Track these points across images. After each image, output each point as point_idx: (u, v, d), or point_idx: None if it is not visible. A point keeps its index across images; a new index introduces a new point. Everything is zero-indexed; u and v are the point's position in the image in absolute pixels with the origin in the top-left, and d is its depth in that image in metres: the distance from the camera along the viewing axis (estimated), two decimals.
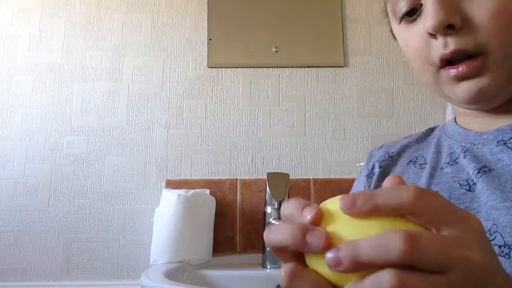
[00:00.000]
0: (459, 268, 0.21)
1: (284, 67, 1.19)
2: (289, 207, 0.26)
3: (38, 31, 1.21)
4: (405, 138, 0.52)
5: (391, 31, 0.47)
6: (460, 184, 0.40)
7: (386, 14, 0.46)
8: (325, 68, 1.19)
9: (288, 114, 1.17)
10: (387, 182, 0.26)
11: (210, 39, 1.20)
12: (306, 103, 1.17)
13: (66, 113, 1.16)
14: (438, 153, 0.45)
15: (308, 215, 0.24)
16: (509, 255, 0.34)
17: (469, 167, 0.40)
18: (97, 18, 1.22)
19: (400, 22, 0.42)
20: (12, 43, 1.20)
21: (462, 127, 0.45)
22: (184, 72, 1.19)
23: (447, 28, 0.37)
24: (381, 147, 0.53)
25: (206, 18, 1.21)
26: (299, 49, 1.19)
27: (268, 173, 1.02)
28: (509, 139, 0.40)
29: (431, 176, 0.42)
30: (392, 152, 0.49)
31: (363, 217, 0.23)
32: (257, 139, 1.15)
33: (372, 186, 0.48)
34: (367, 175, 0.50)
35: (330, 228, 0.24)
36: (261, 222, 1.04)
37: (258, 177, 1.12)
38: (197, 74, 1.19)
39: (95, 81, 1.18)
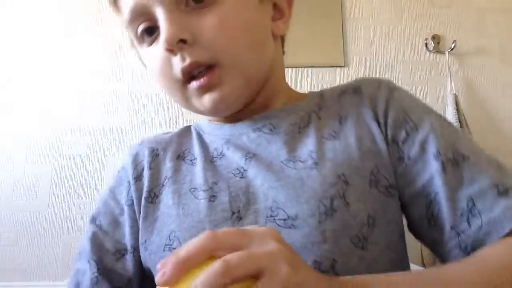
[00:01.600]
0: (266, 272, 0.26)
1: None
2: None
3: (38, 31, 1.21)
4: (165, 134, 0.52)
5: (140, 59, 0.49)
6: (233, 174, 0.42)
7: (133, 44, 0.47)
8: (325, 68, 1.19)
9: None
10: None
11: None
12: None
13: (66, 113, 1.16)
14: (204, 148, 0.46)
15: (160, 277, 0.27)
16: (294, 225, 0.37)
17: (236, 156, 0.43)
18: (97, 18, 1.22)
19: (143, 44, 0.43)
20: (12, 43, 1.20)
21: (216, 123, 0.48)
22: None
23: (181, 43, 0.39)
24: (141, 142, 0.51)
25: None
26: (299, 49, 1.19)
27: None
28: (262, 126, 0.45)
29: (205, 169, 0.44)
30: (157, 149, 0.48)
31: (183, 276, 0.26)
32: None
33: (144, 196, 0.45)
34: (136, 177, 0.47)
35: None
36: None
37: None
38: None
39: (95, 81, 1.18)
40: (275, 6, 0.47)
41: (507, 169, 0.39)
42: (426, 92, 1.18)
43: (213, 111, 0.44)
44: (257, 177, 0.41)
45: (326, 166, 0.40)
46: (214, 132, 0.48)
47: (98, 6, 1.22)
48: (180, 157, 0.47)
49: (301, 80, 1.18)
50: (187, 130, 0.51)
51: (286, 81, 0.51)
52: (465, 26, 1.20)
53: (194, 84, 0.41)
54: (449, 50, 1.17)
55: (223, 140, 0.46)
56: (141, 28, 0.42)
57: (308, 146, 0.42)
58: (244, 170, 0.42)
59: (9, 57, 1.19)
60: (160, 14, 0.39)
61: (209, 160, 0.45)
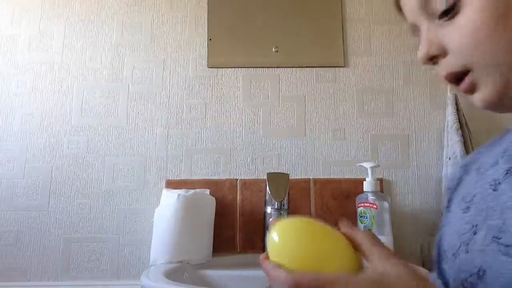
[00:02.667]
0: None
1: (284, 67, 1.19)
2: None
3: (38, 31, 1.21)
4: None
5: None
6: (489, 185, 0.41)
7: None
8: (325, 68, 1.19)
9: (288, 114, 1.17)
10: None
11: (210, 39, 1.20)
12: (306, 103, 1.17)
13: (66, 113, 1.16)
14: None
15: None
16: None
17: (503, 167, 0.41)
18: (97, 18, 1.22)
19: None
20: (12, 43, 1.20)
21: None
22: (184, 72, 1.19)
23: (434, 58, 0.43)
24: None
25: (206, 18, 1.22)
26: (299, 49, 1.19)
27: (268, 173, 1.02)
28: None
29: (475, 179, 0.44)
30: None
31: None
32: (257, 139, 1.15)
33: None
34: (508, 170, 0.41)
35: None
36: (261, 222, 1.04)
37: (258, 177, 1.12)
38: (197, 74, 1.19)
39: (95, 81, 1.18)
40: None
41: None
42: (426, 92, 1.18)
43: (487, 109, 0.43)
44: (508, 192, 0.38)
45: None
46: None
47: (98, 6, 1.22)
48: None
49: (301, 80, 1.18)
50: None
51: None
52: None
53: (460, 87, 0.43)
54: None
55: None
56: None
57: None
58: (499, 183, 0.40)
59: (9, 57, 1.19)
60: (422, 31, 0.44)
61: (481, 169, 0.44)
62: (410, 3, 0.45)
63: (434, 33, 0.42)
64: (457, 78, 0.42)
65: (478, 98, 0.42)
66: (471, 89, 0.42)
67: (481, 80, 0.41)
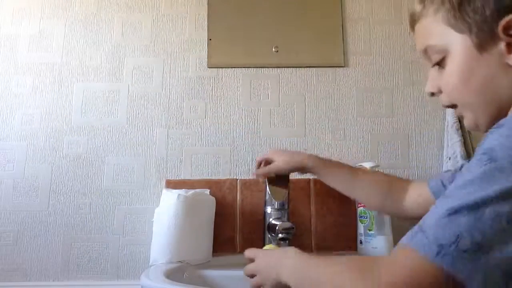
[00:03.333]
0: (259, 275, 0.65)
1: (284, 67, 1.19)
2: None
3: (38, 31, 1.21)
4: None
5: None
6: None
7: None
8: (325, 68, 1.19)
9: (288, 114, 1.17)
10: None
11: (210, 39, 1.20)
12: (306, 103, 1.17)
13: (66, 113, 1.16)
14: None
15: None
16: None
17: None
18: (97, 18, 1.22)
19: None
20: (12, 43, 1.20)
21: None
22: (184, 72, 1.19)
23: (435, 94, 0.61)
24: None
25: (206, 18, 1.22)
26: (299, 49, 1.19)
27: None
28: None
29: None
30: None
31: None
32: (257, 139, 1.15)
33: None
34: None
35: None
36: (261, 222, 1.04)
37: None
38: (197, 74, 1.19)
39: (95, 81, 1.18)
40: (508, 45, 0.51)
41: None
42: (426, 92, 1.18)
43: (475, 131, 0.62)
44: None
45: None
46: None
47: (98, 6, 1.22)
48: None
49: (301, 80, 1.18)
50: None
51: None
52: None
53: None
54: None
55: None
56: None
57: None
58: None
59: (8, 57, 1.19)
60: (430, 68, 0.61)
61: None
62: (417, 46, 0.62)
63: (436, 73, 0.59)
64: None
65: (465, 123, 0.59)
66: (461, 117, 0.59)
67: (463, 113, 0.58)
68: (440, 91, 0.59)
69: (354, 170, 0.94)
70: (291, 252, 0.60)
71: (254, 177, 1.01)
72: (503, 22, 0.50)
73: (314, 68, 1.19)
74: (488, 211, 0.38)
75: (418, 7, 0.61)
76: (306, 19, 1.20)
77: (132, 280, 1.06)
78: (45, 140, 1.13)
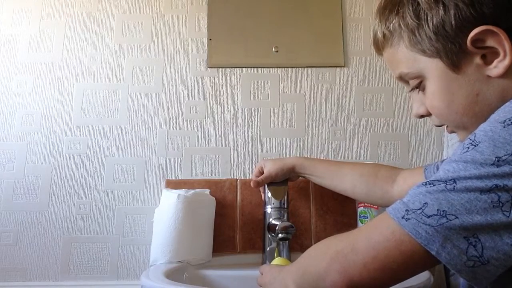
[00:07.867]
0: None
1: (284, 67, 1.19)
2: None
3: (38, 31, 1.21)
4: None
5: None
6: None
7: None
8: (325, 68, 1.19)
9: (288, 114, 1.17)
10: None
11: (210, 39, 1.20)
12: (306, 103, 1.17)
13: (66, 113, 1.16)
14: None
15: None
16: None
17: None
18: (97, 18, 1.22)
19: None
20: (12, 43, 1.20)
21: None
22: (184, 72, 1.19)
23: (424, 116, 0.58)
24: None
25: (206, 18, 1.22)
26: (299, 49, 1.19)
27: None
28: None
29: None
30: None
31: None
32: (257, 139, 1.15)
33: None
34: None
35: None
36: (261, 222, 1.04)
37: None
38: (197, 74, 1.19)
39: (95, 81, 1.18)
40: (483, 56, 0.49)
41: None
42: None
43: None
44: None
45: None
46: None
47: (98, 6, 1.22)
48: None
49: (301, 80, 1.18)
50: None
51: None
52: None
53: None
54: None
55: None
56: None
57: None
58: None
59: (8, 57, 1.19)
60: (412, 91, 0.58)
61: None
62: (391, 71, 0.60)
63: (418, 96, 0.56)
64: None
65: (459, 138, 0.57)
66: (453, 132, 0.57)
67: (456, 131, 0.56)
68: (428, 113, 0.56)
69: (339, 164, 0.97)
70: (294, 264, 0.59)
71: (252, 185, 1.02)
72: (470, 36, 0.48)
73: (314, 68, 1.19)
74: (460, 184, 0.40)
75: (379, 36, 0.61)
76: (306, 19, 1.20)
77: (132, 280, 1.06)
78: (45, 140, 1.13)
